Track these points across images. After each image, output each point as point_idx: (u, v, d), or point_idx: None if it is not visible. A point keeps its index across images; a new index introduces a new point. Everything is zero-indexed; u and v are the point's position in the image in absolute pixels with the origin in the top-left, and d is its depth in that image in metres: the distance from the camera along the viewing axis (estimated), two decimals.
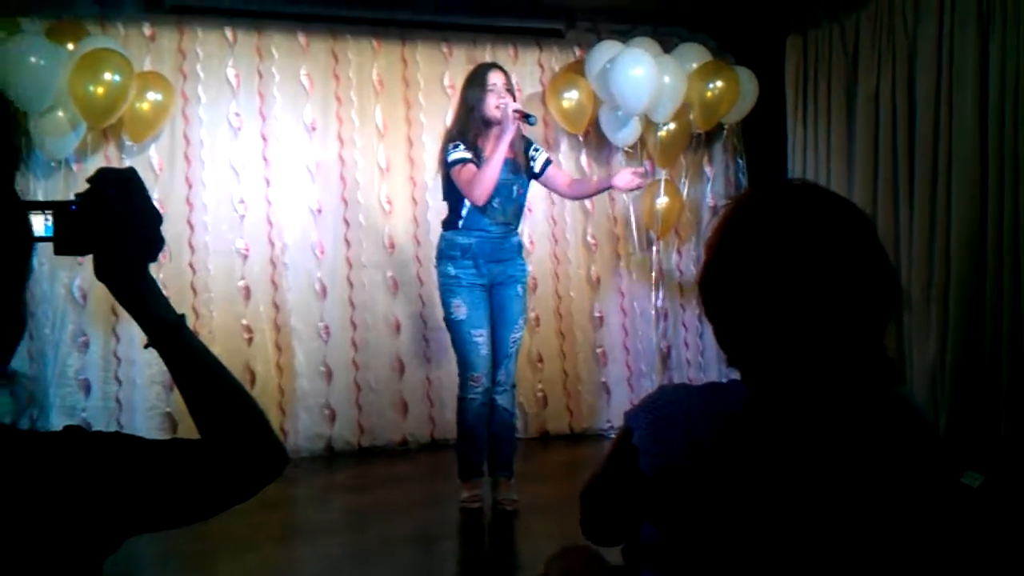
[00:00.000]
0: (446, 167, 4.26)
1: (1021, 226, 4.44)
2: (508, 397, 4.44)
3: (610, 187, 4.53)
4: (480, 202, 4.19)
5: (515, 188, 4.36)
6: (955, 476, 1.35)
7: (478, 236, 4.30)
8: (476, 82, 4.31)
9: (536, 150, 4.51)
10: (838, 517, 1.28)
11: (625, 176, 4.43)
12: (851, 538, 1.28)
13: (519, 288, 4.44)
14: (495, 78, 4.29)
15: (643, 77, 5.44)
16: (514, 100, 4.29)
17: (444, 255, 4.37)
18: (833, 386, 1.30)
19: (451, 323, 4.35)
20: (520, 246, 4.51)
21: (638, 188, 4.66)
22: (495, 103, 4.23)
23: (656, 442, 1.36)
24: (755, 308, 1.30)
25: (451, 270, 4.32)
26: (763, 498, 1.29)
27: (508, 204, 4.35)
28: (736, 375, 1.40)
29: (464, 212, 4.30)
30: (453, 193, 4.33)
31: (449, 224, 4.38)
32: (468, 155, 4.22)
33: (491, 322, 4.35)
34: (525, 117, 4.27)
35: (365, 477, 5.23)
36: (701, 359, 6.34)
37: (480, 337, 4.28)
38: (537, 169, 4.47)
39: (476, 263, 4.31)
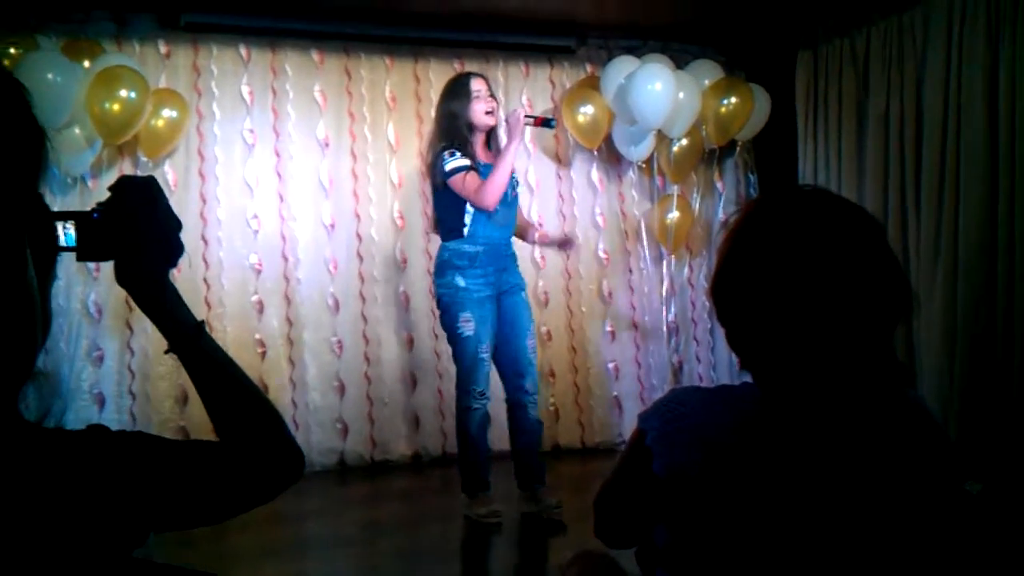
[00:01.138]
0: (443, 175, 4.23)
1: None
2: (536, 408, 4.46)
3: (536, 241, 4.67)
4: (491, 207, 4.20)
5: (509, 192, 4.37)
6: (963, 479, 1.36)
7: (484, 244, 4.30)
8: (460, 92, 4.34)
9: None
10: (850, 516, 1.29)
11: (545, 238, 4.72)
12: (863, 537, 1.29)
13: (523, 295, 4.47)
14: (478, 85, 4.33)
15: (662, 92, 5.46)
16: (496, 102, 4.40)
17: (450, 265, 4.31)
18: (844, 387, 1.31)
19: (457, 338, 4.31)
20: (515, 256, 4.52)
21: (561, 246, 4.82)
22: (484, 109, 4.28)
23: (669, 444, 1.38)
24: (767, 311, 1.32)
25: (460, 281, 4.28)
26: (775, 498, 1.30)
27: (507, 208, 4.36)
28: (748, 378, 1.42)
29: (468, 220, 4.28)
30: (453, 203, 4.30)
31: (452, 234, 4.33)
32: (468, 162, 4.21)
33: (500, 334, 4.34)
34: (545, 122, 4.37)
35: (378, 491, 5.25)
36: (713, 373, 6.34)
37: (486, 353, 4.29)
38: (511, 196, 4.45)
39: (485, 272, 4.30)
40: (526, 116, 4.29)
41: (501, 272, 4.36)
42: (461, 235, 4.31)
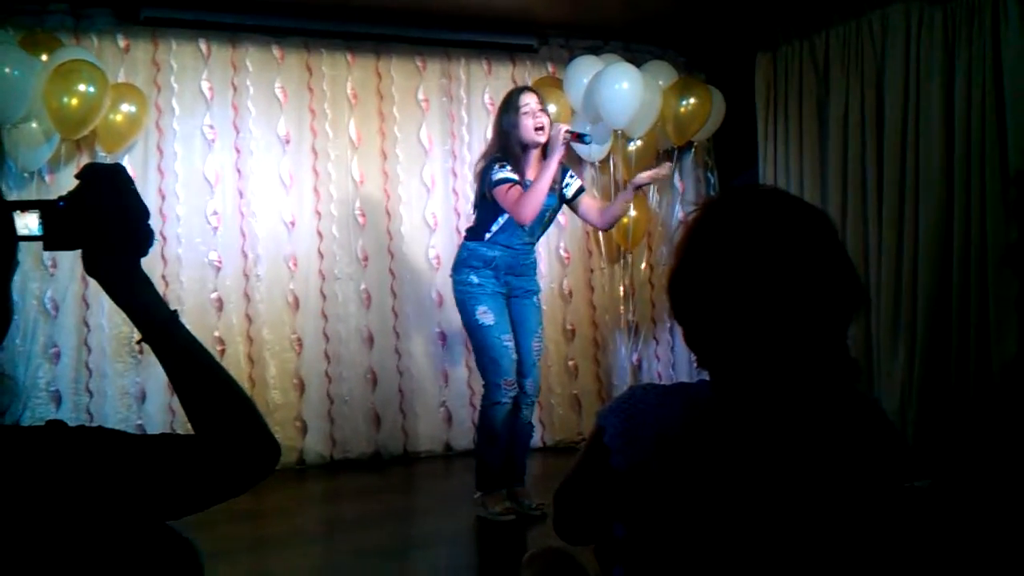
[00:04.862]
0: (490, 185, 4.22)
1: (988, 242, 4.51)
2: (533, 410, 4.51)
3: (637, 188, 4.49)
4: (527, 222, 4.21)
5: (547, 213, 4.39)
6: (912, 475, 1.38)
7: (502, 250, 4.33)
8: (510, 106, 4.31)
9: (571, 176, 4.51)
10: (798, 511, 1.32)
11: (642, 176, 4.47)
12: (810, 532, 1.32)
13: (535, 299, 4.51)
14: (527, 99, 4.29)
15: (628, 91, 5.47)
16: (548, 118, 4.32)
17: (466, 264, 4.35)
18: (798, 383, 1.34)
19: (479, 328, 4.30)
20: (536, 263, 4.55)
21: (661, 176, 4.62)
22: (533, 124, 4.24)
23: (627, 440, 1.39)
24: (722, 309, 1.34)
25: (474, 279, 4.31)
26: (730, 493, 1.32)
27: (538, 226, 4.39)
28: (705, 376, 1.44)
29: (494, 227, 4.31)
30: (489, 208, 4.31)
31: (475, 235, 4.37)
32: (515, 176, 4.21)
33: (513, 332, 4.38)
34: (580, 137, 4.35)
35: (337, 489, 5.23)
36: (672, 372, 6.39)
37: (509, 342, 4.31)
38: (569, 195, 4.47)
39: (497, 275, 4.33)
40: (565, 132, 4.22)
41: (514, 277, 4.39)
42: (482, 238, 4.33)
